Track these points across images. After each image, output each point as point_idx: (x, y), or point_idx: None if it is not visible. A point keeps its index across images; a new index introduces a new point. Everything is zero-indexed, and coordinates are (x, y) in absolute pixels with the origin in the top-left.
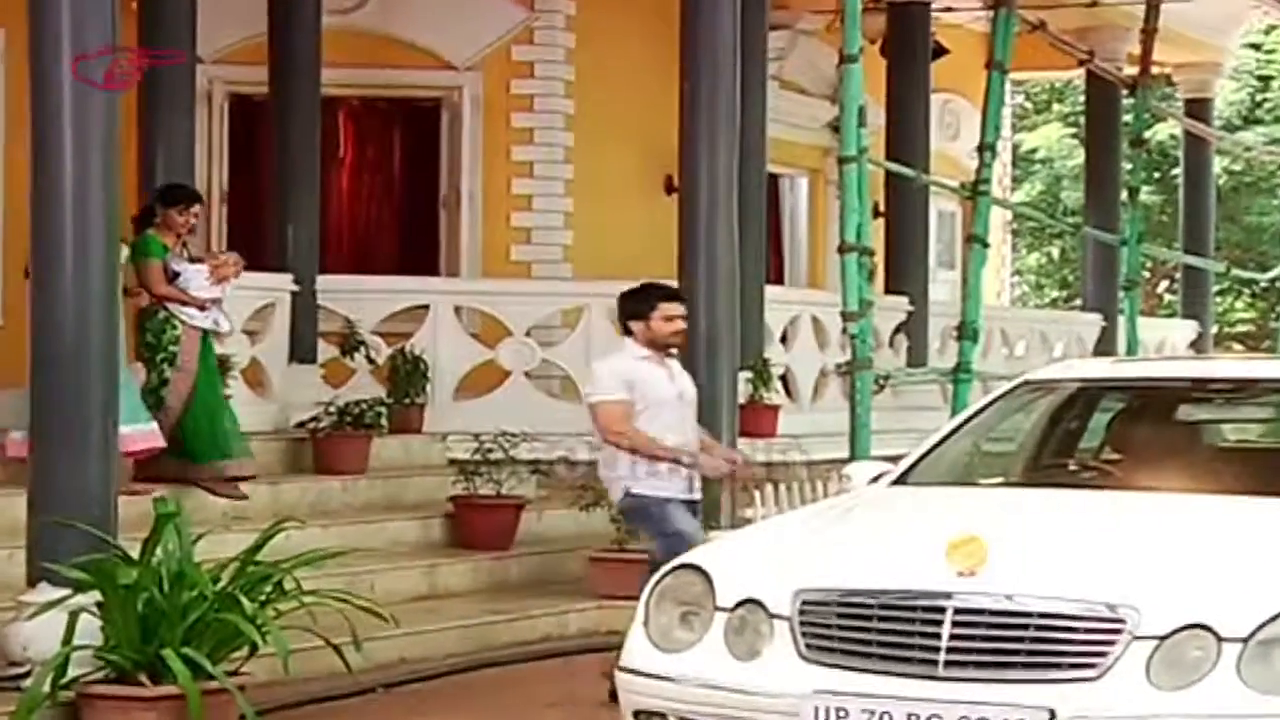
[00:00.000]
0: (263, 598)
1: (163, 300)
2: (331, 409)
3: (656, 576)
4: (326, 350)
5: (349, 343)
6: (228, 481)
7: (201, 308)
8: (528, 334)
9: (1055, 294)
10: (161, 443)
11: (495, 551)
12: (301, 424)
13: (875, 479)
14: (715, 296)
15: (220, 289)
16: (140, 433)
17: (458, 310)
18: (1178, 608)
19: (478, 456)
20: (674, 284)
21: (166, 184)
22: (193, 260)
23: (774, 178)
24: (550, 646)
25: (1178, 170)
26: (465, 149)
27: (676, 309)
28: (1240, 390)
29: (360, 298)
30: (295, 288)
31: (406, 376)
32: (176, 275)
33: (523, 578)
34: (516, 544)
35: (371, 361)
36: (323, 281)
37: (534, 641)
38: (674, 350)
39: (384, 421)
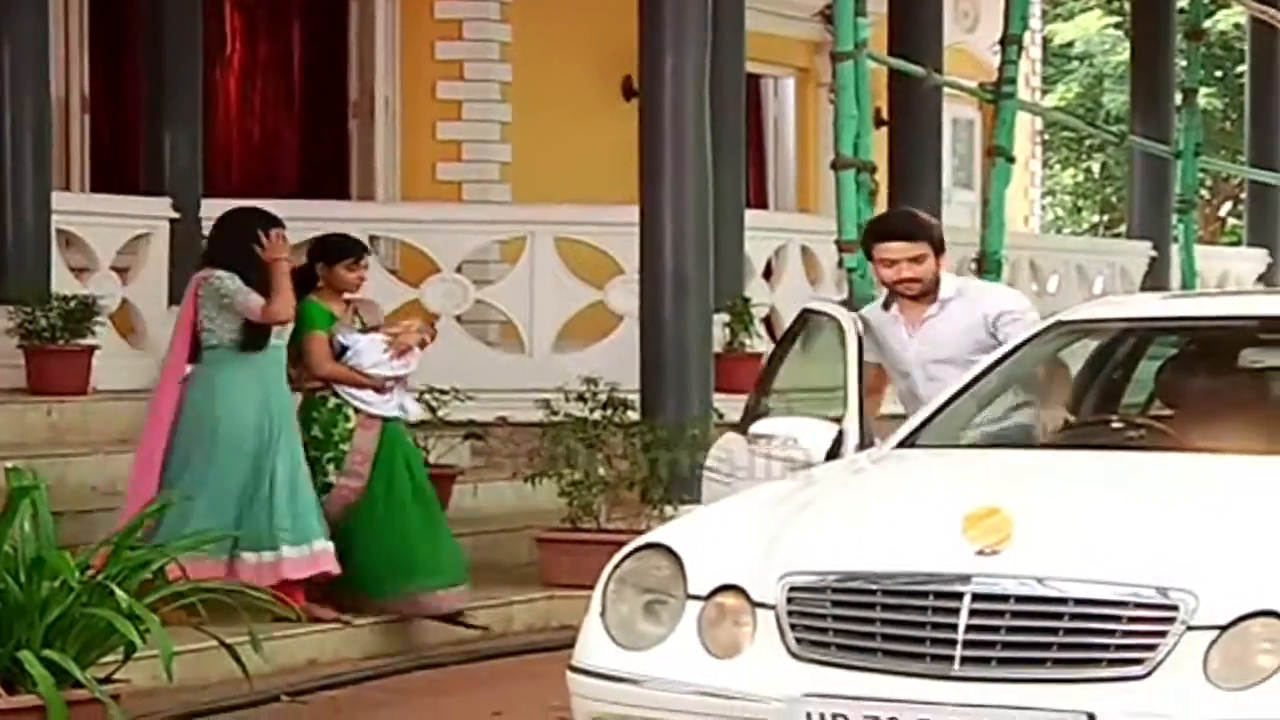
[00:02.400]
0: (140, 588)
1: (331, 382)
2: None
3: (616, 559)
4: None
5: None
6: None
7: (380, 389)
8: (458, 270)
9: (1095, 218)
10: (334, 566)
11: None
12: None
13: (835, 448)
14: (684, 224)
15: (404, 363)
16: (307, 555)
17: (373, 241)
18: (1242, 591)
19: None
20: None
21: (325, 236)
22: (365, 329)
23: (754, 79)
24: (492, 645)
25: (1243, 67)
26: (379, 45)
27: (894, 249)
28: None
29: None
30: (174, 215)
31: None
32: (345, 350)
33: None
34: (449, 523)
35: None
36: (208, 208)
37: (472, 639)
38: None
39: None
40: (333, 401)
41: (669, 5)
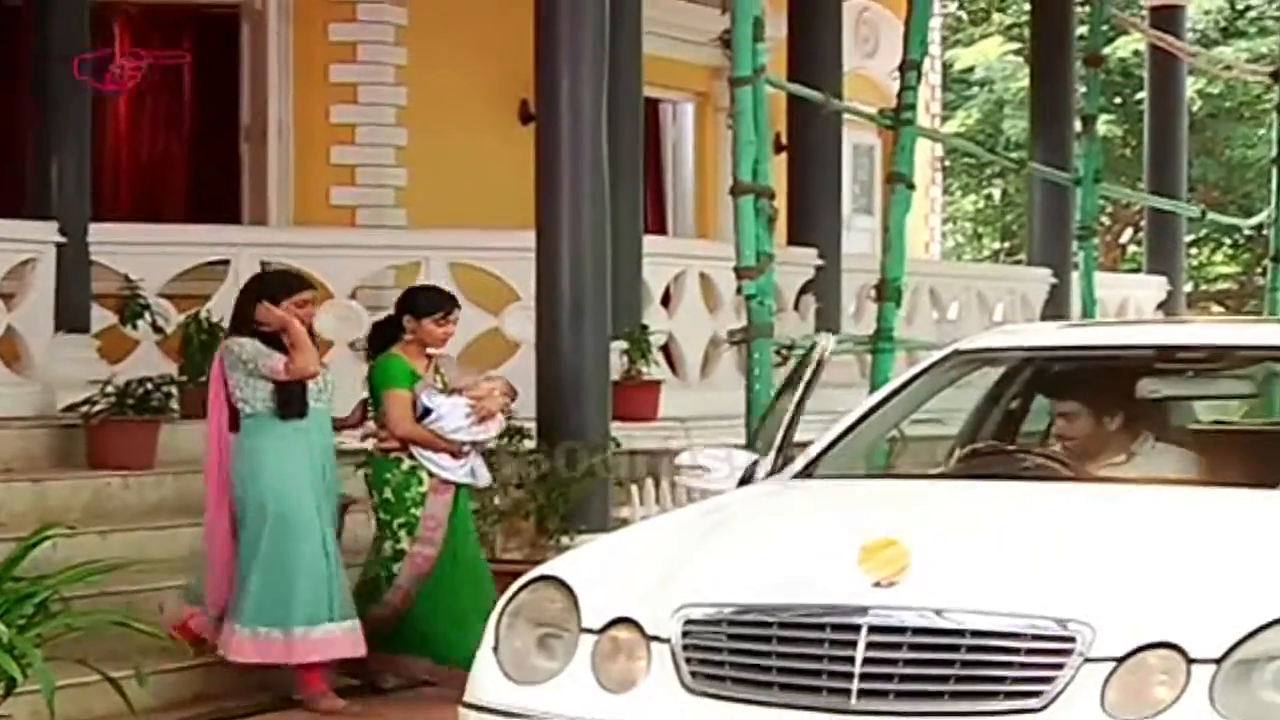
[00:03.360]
0: (22, 621)
1: (408, 444)
2: (109, 389)
3: (509, 591)
4: (102, 317)
5: (130, 308)
6: None
7: (457, 454)
8: (352, 296)
9: (995, 245)
10: (361, 650)
11: None
12: (71, 407)
13: (749, 473)
14: (581, 250)
15: (485, 429)
16: (332, 635)
17: (265, 267)
18: (1139, 623)
19: None
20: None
21: (413, 289)
22: (446, 390)
23: (653, 103)
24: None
25: (1143, 94)
26: (272, 67)
27: None
28: (1217, 360)
29: (143, 252)
30: (61, 239)
31: (202, 349)
32: (427, 412)
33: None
34: (345, 554)
35: (159, 331)
36: (95, 231)
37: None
38: None
39: (175, 405)
40: (407, 464)
41: (565, 29)
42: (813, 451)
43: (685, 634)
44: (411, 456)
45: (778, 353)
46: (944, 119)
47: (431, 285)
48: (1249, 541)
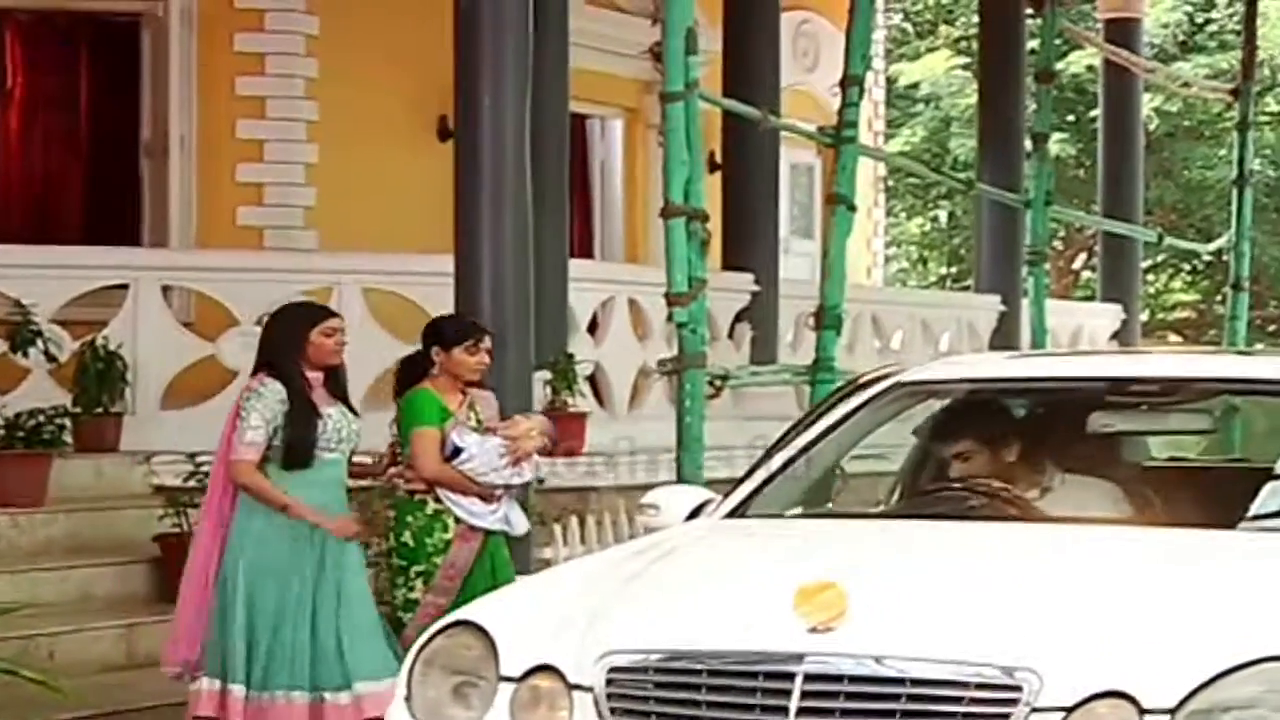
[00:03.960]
0: None
1: (435, 486)
2: None
3: (423, 638)
4: None
5: (20, 334)
6: None
7: (488, 498)
8: (259, 323)
9: (942, 270)
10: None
11: None
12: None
13: (696, 511)
14: (503, 274)
15: (518, 472)
16: (377, 692)
17: (166, 291)
18: (1089, 672)
19: (192, 483)
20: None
21: (439, 319)
22: (480, 428)
23: (580, 119)
24: None
25: (1097, 112)
26: (174, 80)
27: None
28: (1172, 394)
29: (36, 275)
30: None
31: (98, 379)
32: (457, 452)
33: None
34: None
35: (51, 359)
36: None
37: None
38: None
39: (68, 437)
40: (432, 507)
41: (487, 39)
42: (745, 489)
43: (609, 682)
44: (438, 500)
45: (710, 384)
46: (888, 137)
47: (456, 314)
48: (1204, 586)
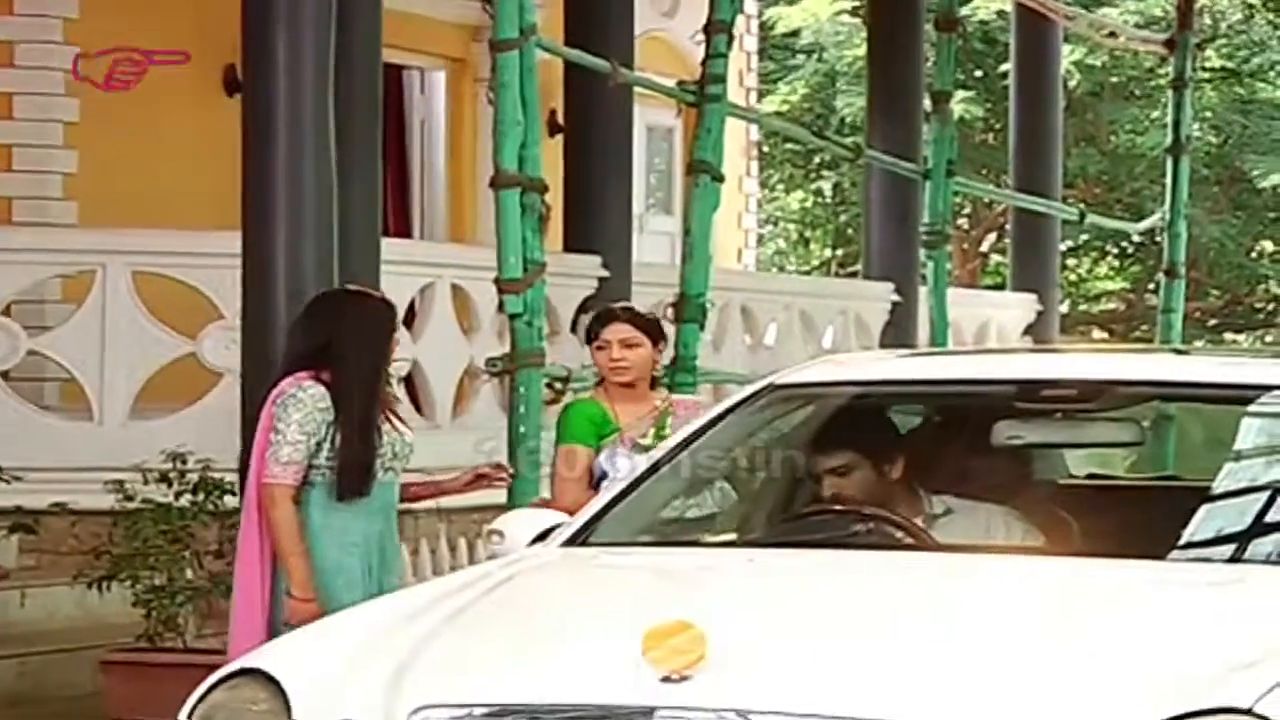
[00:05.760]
0: None
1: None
2: None
3: (201, 689)
4: None
5: None
6: None
7: None
8: (6, 312)
9: (826, 253)
10: None
11: None
12: None
13: (541, 536)
14: (301, 256)
15: None
16: None
17: None
18: None
19: None
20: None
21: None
22: (639, 446)
23: (395, 70)
24: None
25: (1008, 66)
26: None
27: None
28: (1095, 399)
29: None
30: None
31: None
32: (604, 477)
33: None
34: None
35: None
36: None
37: None
38: None
39: None
40: None
41: None
42: (587, 511)
43: None
44: None
45: (549, 385)
46: (762, 95)
47: (603, 304)
48: (1123, 629)
